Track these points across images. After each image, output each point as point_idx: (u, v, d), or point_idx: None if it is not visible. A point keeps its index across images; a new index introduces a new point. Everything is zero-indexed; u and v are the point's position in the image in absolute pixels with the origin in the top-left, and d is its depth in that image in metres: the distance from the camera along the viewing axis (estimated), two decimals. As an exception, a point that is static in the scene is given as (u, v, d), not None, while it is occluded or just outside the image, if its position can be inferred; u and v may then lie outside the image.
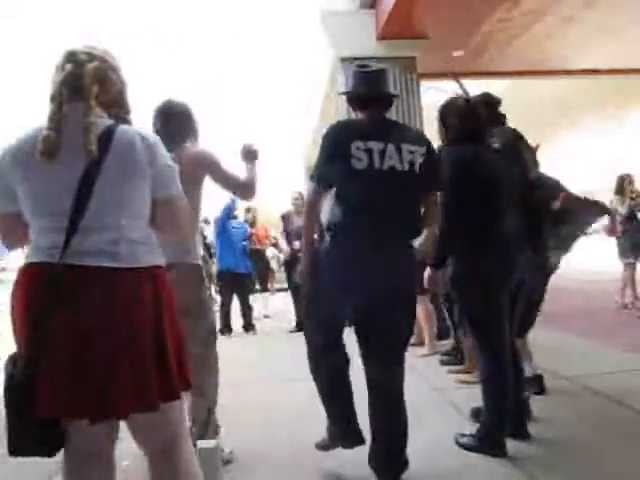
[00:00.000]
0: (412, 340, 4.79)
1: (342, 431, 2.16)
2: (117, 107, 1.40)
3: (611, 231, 6.34)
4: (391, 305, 1.93)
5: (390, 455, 2.03)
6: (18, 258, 3.24)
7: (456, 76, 2.79)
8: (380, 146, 1.92)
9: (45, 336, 1.21)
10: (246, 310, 6.39)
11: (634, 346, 3.93)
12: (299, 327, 6.22)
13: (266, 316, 7.69)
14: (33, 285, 1.25)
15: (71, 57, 1.34)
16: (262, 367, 4.33)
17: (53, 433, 1.27)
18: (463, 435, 2.37)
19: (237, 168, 2.32)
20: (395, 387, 2.05)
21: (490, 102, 2.60)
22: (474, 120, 2.34)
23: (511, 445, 2.27)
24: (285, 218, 6.40)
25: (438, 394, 3.22)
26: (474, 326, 2.34)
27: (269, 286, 9.58)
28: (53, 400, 1.21)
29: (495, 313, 2.26)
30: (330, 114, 10.70)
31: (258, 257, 7.41)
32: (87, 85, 1.30)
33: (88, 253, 1.25)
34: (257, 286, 8.11)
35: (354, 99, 2.11)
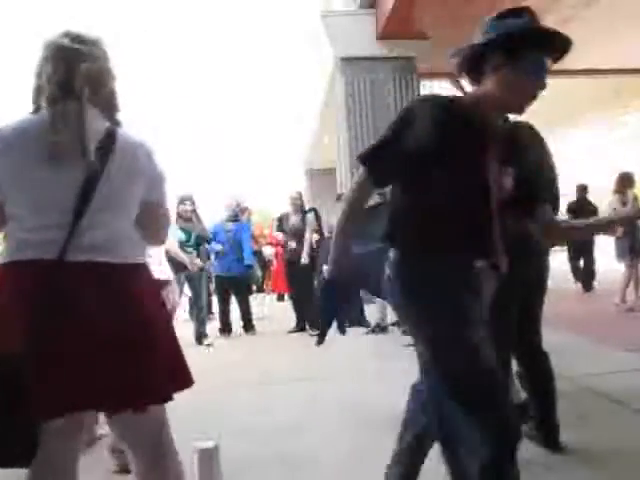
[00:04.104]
0: (411, 340, 4.82)
1: None
2: (108, 108, 1.40)
3: (610, 230, 6.30)
4: None
5: None
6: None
7: (457, 79, 2.73)
8: None
9: (45, 334, 1.20)
10: (245, 310, 6.38)
11: (635, 346, 3.93)
12: (298, 327, 6.23)
13: (259, 318, 7.03)
14: (29, 283, 1.23)
15: (62, 55, 1.32)
16: (261, 367, 4.33)
17: (31, 441, 1.22)
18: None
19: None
20: None
21: None
22: None
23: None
24: (283, 219, 6.41)
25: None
26: None
27: (265, 287, 9.51)
28: (56, 399, 1.20)
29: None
30: (329, 116, 10.73)
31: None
32: (80, 89, 1.31)
33: (88, 249, 1.26)
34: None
35: None
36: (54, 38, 1.35)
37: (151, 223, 1.46)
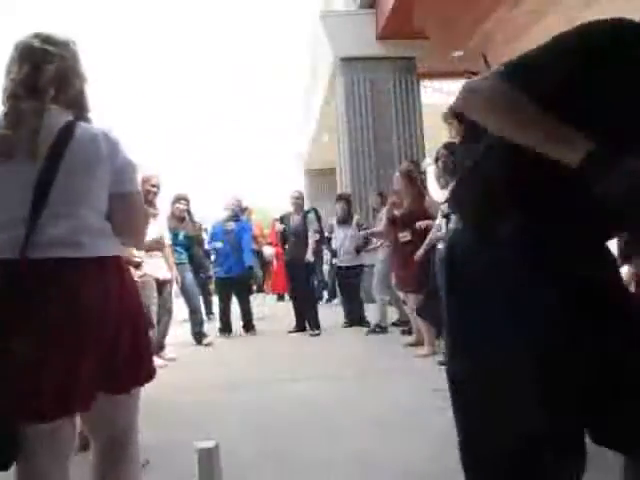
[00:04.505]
0: (411, 340, 4.83)
1: None
2: (77, 107, 1.39)
3: None
4: None
5: None
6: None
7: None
8: None
9: (10, 336, 1.18)
10: (246, 310, 6.38)
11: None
12: (298, 327, 6.23)
13: (259, 318, 6.90)
14: None
15: (29, 55, 1.33)
16: (261, 368, 4.33)
17: (10, 443, 1.20)
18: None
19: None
20: None
21: None
22: None
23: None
24: (284, 219, 6.42)
25: (438, 394, 3.21)
26: None
27: (265, 287, 9.49)
28: (24, 403, 1.18)
29: None
30: (329, 113, 10.72)
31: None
32: (43, 88, 1.31)
33: (50, 245, 1.23)
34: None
35: None
36: (24, 39, 1.35)
37: (126, 217, 1.40)
